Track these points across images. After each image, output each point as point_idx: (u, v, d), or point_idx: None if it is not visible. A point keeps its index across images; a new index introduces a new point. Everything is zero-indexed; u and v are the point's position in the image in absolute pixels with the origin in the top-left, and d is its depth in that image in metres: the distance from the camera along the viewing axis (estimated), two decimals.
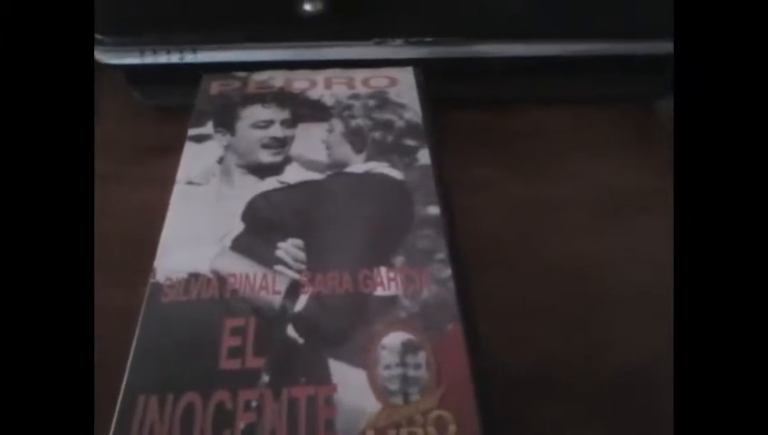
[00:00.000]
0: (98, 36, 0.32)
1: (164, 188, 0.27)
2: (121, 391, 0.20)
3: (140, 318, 0.22)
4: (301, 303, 0.22)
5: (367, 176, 0.27)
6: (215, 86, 0.32)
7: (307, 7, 0.32)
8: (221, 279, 0.23)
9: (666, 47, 0.33)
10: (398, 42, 0.33)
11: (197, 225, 0.25)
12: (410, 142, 0.29)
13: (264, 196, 0.26)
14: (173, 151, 0.28)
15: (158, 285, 0.23)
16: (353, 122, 0.30)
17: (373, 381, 0.20)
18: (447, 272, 0.23)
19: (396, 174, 0.27)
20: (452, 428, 0.19)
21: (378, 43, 0.33)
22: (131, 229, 0.28)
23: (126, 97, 0.35)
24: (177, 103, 0.33)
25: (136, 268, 0.24)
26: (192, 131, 0.29)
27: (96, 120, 0.35)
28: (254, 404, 0.19)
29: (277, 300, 0.22)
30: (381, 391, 0.19)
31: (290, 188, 0.26)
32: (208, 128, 0.29)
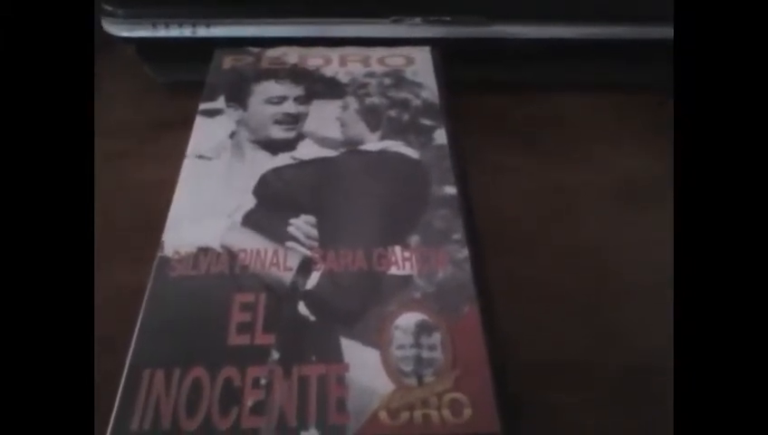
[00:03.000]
0: (109, 8, 0.32)
1: (175, 164, 0.26)
2: (126, 365, 0.19)
3: (147, 292, 0.21)
4: (313, 280, 0.21)
5: (382, 154, 0.26)
6: (227, 61, 0.31)
7: None
8: (231, 254, 0.22)
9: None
10: (416, 20, 0.32)
11: (208, 199, 0.24)
12: (427, 122, 0.28)
13: (277, 171, 0.25)
14: (184, 127, 0.28)
15: (165, 259, 0.22)
16: (368, 100, 0.29)
17: (386, 361, 0.19)
18: (464, 253, 0.22)
19: (412, 153, 0.26)
20: (467, 411, 0.18)
21: (395, 21, 0.32)
22: (142, 205, 0.27)
23: (137, 73, 0.34)
24: (188, 79, 0.32)
25: (147, 243, 0.23)
26: (203, 106, 0.28)
27: (106, 97, 0.34)
28: (263, 381, 0.19)
29: (288, 276, 0.21)
30: (395, 372, 0.19)
31: (303, 165, 0.26)
32: (220, 102, 0.29)
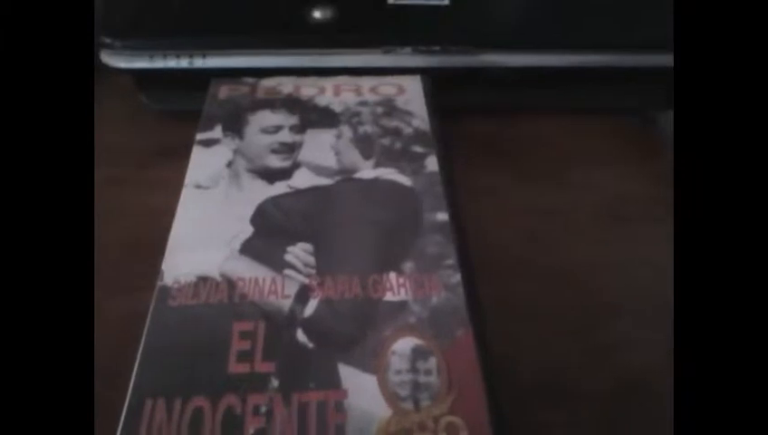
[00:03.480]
0: (107, 40, 0.32)
1: (172, 192, 0.27)
2: (128, 395, 0.19)
3: (148, 321, 0.21)
4: (310, 307, 0.22)
5: (376, 182, 0.27)
6: (223, 91, 0.32)
7: (316, 15, 0.33)
8: (230, 283, 0.23)
9: (666, 60, 0.33)
10: (407, 50, 0.33)
11: (206, 228, 0.25)
12: (418, 149, 0.29)
13: (274, 200, 0.26)
14: (181, 156, 0.28)
15: (165, 288, 0.22)
16: (361, 129, 0.30)
17: (384, 386, 0.20)
18: (457, 277, 0.23)
19: (404, 180, 0.27)
20: (463, 434, 0.18)
21: (386, 52, 0.33)
22: (140, 233, 0.28)
23: (133, 101, 0.35)
24: (184, 108, 0.33)
25: (144, 272, 0.23)
26: (200, 135, 0.29)
27: (103, 124, 0.35)
28: (263, 409, 0.19)
29: (287, 304, 0.22)
30: (392, 397, 0.19)
31: (299, 193, 0.26)
32: (217, 132, 0.29)
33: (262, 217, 0.25)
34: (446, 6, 0.34)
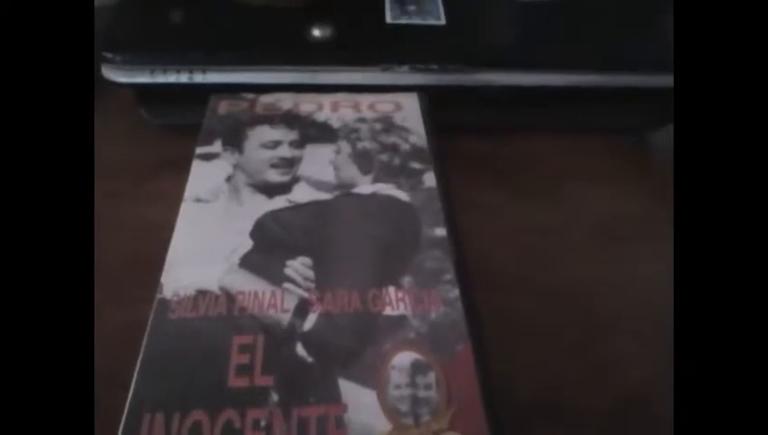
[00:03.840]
0: (109, 55, 0.33)
1: (172, 206, 0.27)
2: (126, 408, 0.19)
3: (147, 334, 0.21)
4: (310, 321, 0.22)
5: (374, 197, 0.27)
6: (223, 106, 0.32)
7: (316, 33, 0.33)
8: (229, 296, 0.23)
9: (660, 80, 0.34)
10: (404, 68, 0.34)
11: (206, 241, 0.25)
12: (416, 165, 0.29)
13: (273, 214, 0.26)
14: (180, 169, 0.29)
15: (165, 301, 0.22)
16: (360, 145, 0.30)
17: (383, 401, 0.20)
18: (455, 293, 0.23)
19: (402, 196, 0.27)
20: None
21: (384, 69, 0.34)
22: (139, 246, 0.28)
23: (133, 115, 0.35)
24: (184, 122, 0.33)
25: (144, 285, 0.23)
26: (200, 150, 0.29)
27: (104, 138, 0.35)
28: (262, 423, 0.19)
29: (286, 318, 0.22)
30: (392, 412, 0.19)
31: (298, 208, 0.27)
32: (216, 146, 0.30)
33: (261, 231, 0.25)
34: (442, 26, 0.35)
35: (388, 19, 0.35)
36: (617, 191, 0.34)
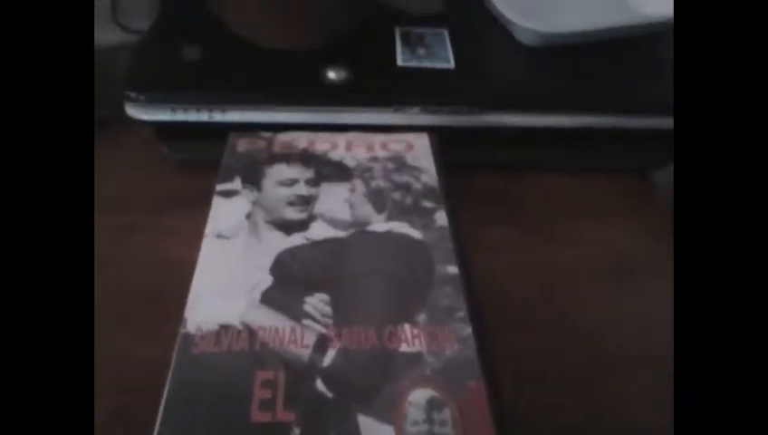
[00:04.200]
0: (132, 94, 0.34)
1: (191, 241, 0.28)
2: None
3: (171, 368, 0.22)
4: (329, 357, 0.23)
5: (389, 235, 0.28)
6: (241, 144, 0.33)
7: (331, 76, 0.35)
8: (251, 331, 0.23)
9: (661, 122, 0.35)
10: (415, 109, 0.35)
11: (227, 277, 0.26)
12: (428, 204, 0.30)
13: (291, 251, 0.27)
14: (199, 204, 0.30)
15: (188, 336, 0.23)
16: (374, 183, 0.31)
17: None
18: (468, 330, 0.24)
19: (416, 234, 0.28)
20: None
21: (396, 110, 0.35)
22: (161, 280, 0.28)
23: (154, 151, 0.36)
24: (202, 158, 0.35)
25: (164, 319, 0.24)
26: (220, 186, 0.31)
27: (125, 172, 0.36)
28: None
29: (306, 354, 0.23)
30: None
31: (315, 245, 0.28)
32: (236, 183, 0.31)
33: (280, 267, 0.26)
34: (451, 70, 0.37)
35: (400, 62, 0.37)
36: (624, 229, 0.35)
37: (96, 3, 0.41)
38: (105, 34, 0.44)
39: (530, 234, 0.34)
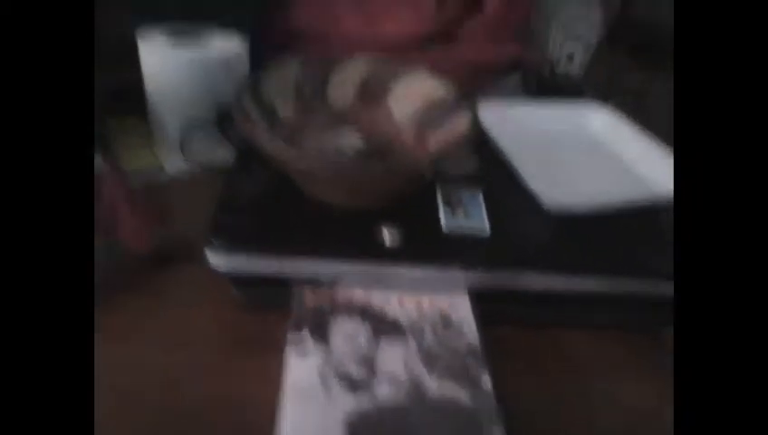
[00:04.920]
0: (214, 241, 0.39)
1: (262, 383, 0.32)
2: None
3: None
4: None
5: (441, 402, 0.33)
6: (308, 295, 0.38)
7: (386, 241, 0.40)
8: None
9: (668, 286, 0.41)
10: (456, 269, 0.41)
11: (308, 430, 0.30)
12: (473, 366, 0.35)
13: (360, 416, 0.31)
14: (268, 348, 0.34)
15: None
16: (425, 343, 0.36)
17: None
18: None
19: (464, 396, 0.33)
20: None
21: (438, 269, 0.40)
22: (235, 420, 0.32)
23: (226, 293, 0.41)
24: (271, 303, 0.40)
25: None
26: (291, 335, 0.35)
27: (200, 311, 0.41)
28: None
29: None
30: None
31: (381, 412, 0.32)
32: (305, 334, 0.35)
33: (353, 431, 0.30)
34: (487, 237, 0.42)
35: (444, 229, 0.42)
36: (635, 387, 0.39)
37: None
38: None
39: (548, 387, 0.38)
